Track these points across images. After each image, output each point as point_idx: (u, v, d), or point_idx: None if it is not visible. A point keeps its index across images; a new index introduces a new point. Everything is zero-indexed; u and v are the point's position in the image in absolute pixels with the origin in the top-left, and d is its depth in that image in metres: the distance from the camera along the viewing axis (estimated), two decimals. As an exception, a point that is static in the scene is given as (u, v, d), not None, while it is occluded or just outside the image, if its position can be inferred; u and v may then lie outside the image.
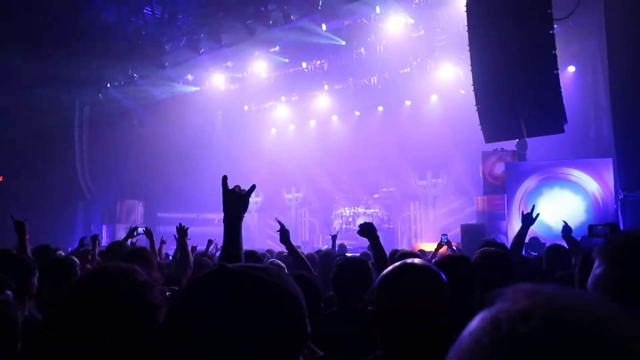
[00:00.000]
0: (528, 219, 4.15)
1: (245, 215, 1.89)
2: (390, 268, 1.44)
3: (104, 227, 15.70)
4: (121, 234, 14.29)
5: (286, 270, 3.95)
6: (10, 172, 14.61)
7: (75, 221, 16.15)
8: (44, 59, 13.31)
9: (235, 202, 1.87)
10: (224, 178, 1.91)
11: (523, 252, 4.87)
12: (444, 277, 1.40)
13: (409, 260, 1.45)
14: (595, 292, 1.13)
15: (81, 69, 14.62)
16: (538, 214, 4.25)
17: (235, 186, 1.91)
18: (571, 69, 12.98)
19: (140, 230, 5.44)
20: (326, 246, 11.73)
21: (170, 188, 17.31)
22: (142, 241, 6.31)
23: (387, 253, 5.22)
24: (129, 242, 5.01)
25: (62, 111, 15.71)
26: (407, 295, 1.35)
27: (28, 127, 14.19)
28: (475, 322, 0.50)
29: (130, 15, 13.93)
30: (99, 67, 14.89)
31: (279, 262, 4.23)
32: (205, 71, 16.55)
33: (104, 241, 12.45)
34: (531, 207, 4.31)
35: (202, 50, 14.56)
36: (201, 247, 6.45)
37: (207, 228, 13.26)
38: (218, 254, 6.36)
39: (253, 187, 1.97)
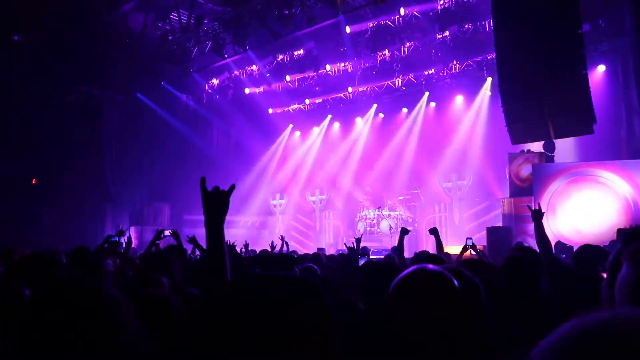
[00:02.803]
0: (536, 214, 4.14)
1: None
2: (404, 274, 1.43)
3: (132, 229, 15.97)
4: (148, 236, 14.53)
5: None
6: (41, 175, 15.00)
7: (104, 223, 16.47)
8: (72, 63, 13.66)
9: (216, 204, 1.80)
10: (202, 180, 1.83)
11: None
12: (455, 283, 1.38)
13: (422, 266, 1.44)
14: (620, 291, 1.22)
15: (109, 73, 14.95)
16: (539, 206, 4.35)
17: (214, 187, 1.84)
18: (601, 68, 12.62)
19: (167, 232, 5.49)
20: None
21: (196, 191, 17.48)
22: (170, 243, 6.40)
23: (412, 254, 5.19)
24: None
25: (91, 115, 16.08)
26: (417, 301, 1.34)
27: (57, 131, 14.56)
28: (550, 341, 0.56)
29: (157, 21, 14.18)
30: (127, 71, 15.19)
31: (312, 265, 4.29)
32: (231, 75, 16.75)
33: (132, 243, 12.64)
34: (533, 204, 4.34)
35: (227, 54, 14.75)
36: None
37: (231, 230, 13.36)
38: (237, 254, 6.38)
39: (233, 187, 1.87)
